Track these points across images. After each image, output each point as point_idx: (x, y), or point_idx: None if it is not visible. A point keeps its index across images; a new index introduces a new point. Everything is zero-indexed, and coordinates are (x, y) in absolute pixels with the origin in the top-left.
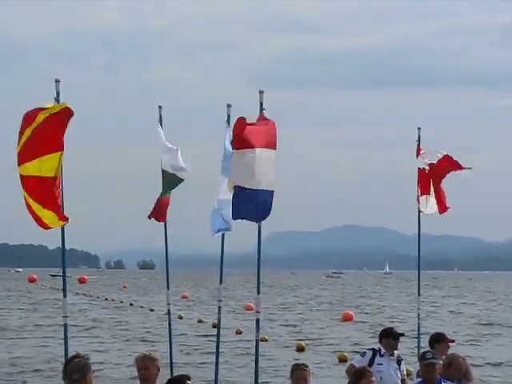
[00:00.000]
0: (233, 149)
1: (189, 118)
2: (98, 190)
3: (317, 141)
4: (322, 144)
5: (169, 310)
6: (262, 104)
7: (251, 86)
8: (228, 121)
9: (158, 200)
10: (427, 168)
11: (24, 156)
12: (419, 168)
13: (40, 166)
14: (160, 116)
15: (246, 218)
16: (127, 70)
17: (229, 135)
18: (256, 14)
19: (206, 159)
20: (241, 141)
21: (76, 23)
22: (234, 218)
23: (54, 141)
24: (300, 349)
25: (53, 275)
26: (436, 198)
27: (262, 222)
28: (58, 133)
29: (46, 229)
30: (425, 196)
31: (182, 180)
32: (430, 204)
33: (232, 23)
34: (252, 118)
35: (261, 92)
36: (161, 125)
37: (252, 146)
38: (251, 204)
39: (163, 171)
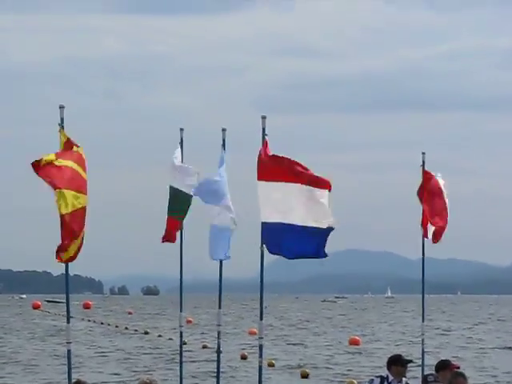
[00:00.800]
0: (259, 179)
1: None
2: (101, 216)
3: (318, 165)
4: (324, 169)
5: (181, 333)
6: (264, 130)
7: (252, 110)
8: (223, 145)
9: (167, 221)
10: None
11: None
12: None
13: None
14: (181, 138)
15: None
16: (129, 96)
17: (224, 159)
18: (257, 40)
19: None
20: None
21: (77, 50)
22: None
23: (82, 182)
24: (304, 376)
25: (48, 301)
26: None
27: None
28: (82, 176)
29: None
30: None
31: (191, 197)
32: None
33: (233, 48)
34: (253, 142)
35: (263, 117)
36: (182, 146)
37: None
38: (302, 239)
39: (176, 190)
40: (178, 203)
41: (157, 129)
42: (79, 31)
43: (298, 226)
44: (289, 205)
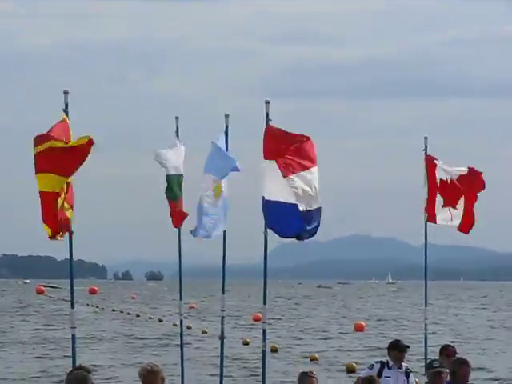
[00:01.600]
0: (265, 158)
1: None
2: (105, 200)
3: (325, 151)
4: (331, 154)
5: (181, 321)
6: (268, 114)
7: (260, 96)
8: (226, 131)
9: (172, 206)
10: (449, 179)
11: (39, 165)
12: (441, 179)
13: (46, 182)
14: (177, 127)
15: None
16: (134, 81)
17: (223, 140)
18: (262, 24)
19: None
20: (274, 152)
21: (86, 33)
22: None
23: (68, 167)
24: (312, 359)
25: (44, 286)
26: (464, 216)
27: (270, 233)
28: (75, 161)
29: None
30: (447, 208)
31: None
32: (449, 216)
33: (242, 34)
34: (256, 128)
35: (267, 102)
36: (177, 135)
37: (299, 169)
38: (292, 218)
39: (169, 176)
40: (174, 186)
41: (162, 114)
42: (87, 16)
43: (295, 206)
44: (288, 186)
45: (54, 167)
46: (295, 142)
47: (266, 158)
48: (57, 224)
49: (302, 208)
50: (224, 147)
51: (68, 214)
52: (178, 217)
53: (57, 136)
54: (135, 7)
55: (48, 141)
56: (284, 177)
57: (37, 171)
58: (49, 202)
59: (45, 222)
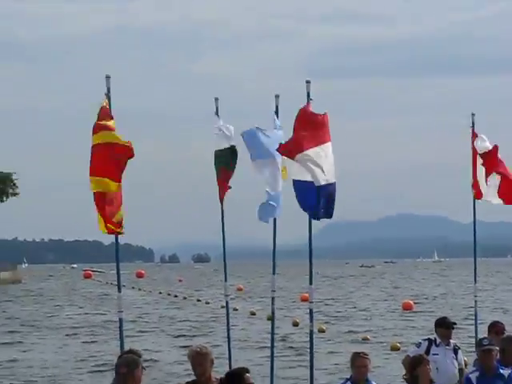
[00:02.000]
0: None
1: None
2: (151, 184)
3: (369, 130)
4: (374, 133)
5: (227, 303)
6: (309, 94)
7: (299, 77)
8: (276, 112)
9: (225, 174)
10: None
11: (94, 168)
12: (484, 152)
13: (97, 184)
14: (216, 108)
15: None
16: (178, 63)
17: (276, 124)
18: (302, 5)
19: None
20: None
21: (127, 19)
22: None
23: (115, 171)
24: (364, 339)
25: (92, 271)
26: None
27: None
28: (119, 165)
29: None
30: (489, 181)
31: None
32: (493, 192)
33: (283, 15)
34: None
35: (307, 82)
36: (218, 116)
37: (312, 146)
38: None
39: (218, 151)
40: (224, 156)
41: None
42: (125, 1)
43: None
44: (315, 164)
45: (107, 171)
46: (312, 119)
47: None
48: (112, 221)
49: (317, 183)
50: (276, 128)
51: (118, 214)
52: (224, 188)
53: (106, 124)
54: None
55: (101, 130)
56: (299, 152)
57: (90, 173)
58: (102, 200)
59: (104, 221)
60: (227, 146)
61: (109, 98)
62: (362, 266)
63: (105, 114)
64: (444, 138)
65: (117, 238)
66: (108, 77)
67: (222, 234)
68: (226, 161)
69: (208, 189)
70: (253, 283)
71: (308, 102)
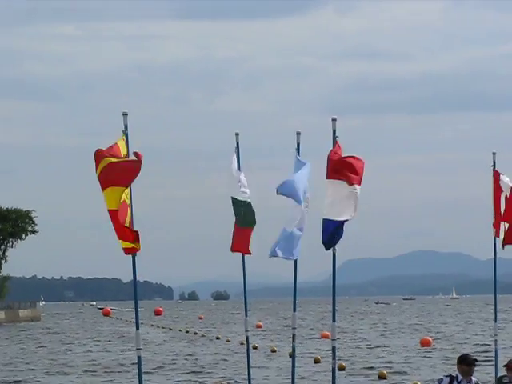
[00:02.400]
0: (328, 178)
1: (261, 147)
2: (170, 221)
3: (389, 166)
4: (395, 169)
5: (247, 338)
6: (334, 132)
7: (321, 114)
8: (298, 148)
9: (237, 232)
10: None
11: (102, 183)
12: (502, 191)
13: (110, 199)
14: (237, 143)
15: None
16: (196, 102)
17: (298, 163)
18: (323, 42)
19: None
20: (336, 172)
21: (146, 55)
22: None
23: (122, 177)
24: (381, 377)
25: (100, 308)
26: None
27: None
28: (128, 173)
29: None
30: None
31: (246, 203)
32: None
33: (301, 52)
34: (325, 145)
35: (333, 119)
36: (238, 151)
37: (351, 182)
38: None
39: (235, 199)
40: (244, 213)
41: (221, 134)
42: (147, 38)
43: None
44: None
45: (114, 179)
46: (348, 159)
47: (328, 178)
48: (131, 236)
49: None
50: (298, 166)
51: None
52: (247, 243)
53: (112, 153)
54: (194, 28)
55: (104, 158)
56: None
57: (102, 189)
58: (117, 218)
59: (120, 238)
60: (241, 197)
61: (126, 135)
62: (377, 303)
63: (116, 150)
64: (466, 175)
65: (135, 276)
66: (125, 114)
67: (242, 271)
68: (246, 220)
69: (228, 227)
70: (274, 320)
71: (335, 140)
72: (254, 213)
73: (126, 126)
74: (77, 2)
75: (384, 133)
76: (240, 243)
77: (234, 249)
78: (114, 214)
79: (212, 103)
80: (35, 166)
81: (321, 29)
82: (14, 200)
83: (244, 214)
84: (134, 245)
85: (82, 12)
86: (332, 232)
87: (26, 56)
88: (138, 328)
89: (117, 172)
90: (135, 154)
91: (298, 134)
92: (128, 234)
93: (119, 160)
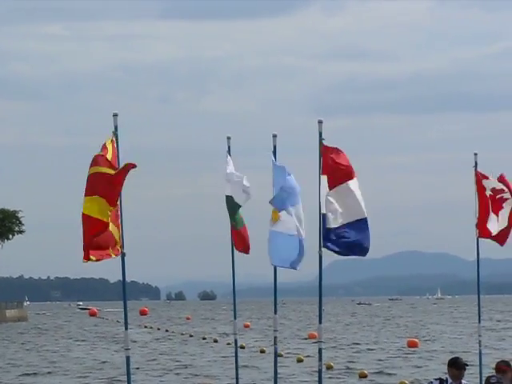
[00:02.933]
0: (323, 174)
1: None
2: (157, 221)
3: (372, 167)
4: (382, 170)
5: (236, 341)
6: (321, 134)
7: (309, 113)
8: (274, 151)
9: (236, 232)
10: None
11: (88, 188)
12: (490, 194)
13: (90, 206)
14: (229, 147)
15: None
16: (182, 102)
17: (278, 166)
18: (307, 42)
19: (259, 189)
20: (335, 178)
21: (132, 55)
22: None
23: (111, 194)
24: (362, 376)
25: (82, 308)
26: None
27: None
28: (118, 189)
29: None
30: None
31: (239, 206)
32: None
33: (289, 51)
34: (312, 146)
35: (320, 122)
36: (229, 155)
37: (344, 181)
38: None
39: (227, 197)
40: (235, 212)
41: (210, 134)
42: (133, 37)
43: (352, 222)
44: (342, 203)
45: (102, 192)
46: (338, 156)
47: (323, 174)
48: (92, 247)
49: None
50: (275, 168)
51: (116, 236)
52: (247, 243)
53: (105, 162)
54: (180, 28)
55: (97, 165)
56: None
57: (86, 194)
58: (89, 225)
59: (86, 245)
60: (237, 198)
61: (116, 135)
62: (359, 304)
63: (111, 153)
64: (454, 175)
65: (124, 277)
66: (115, 115)
67: (232, 271)
68: (235, 218)
69: (216, 227)
70: (260, 320)
71: (321, 143)
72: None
73: (116, 127)
74: (63, 1)
75: (371, 133)
76: (241, 242)
77: (239, 248)
78: (87, 220)
79: (198, 104)
80: (21, 165)
81: (308, 28)
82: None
83: (235, 212)
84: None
85: (68, 12)
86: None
87: (12, 56)
88: (126, 328)
89: (107, 187)
90: (129, 165)
91: (275, 136)
92: (90, 244)
93: (110, 173)
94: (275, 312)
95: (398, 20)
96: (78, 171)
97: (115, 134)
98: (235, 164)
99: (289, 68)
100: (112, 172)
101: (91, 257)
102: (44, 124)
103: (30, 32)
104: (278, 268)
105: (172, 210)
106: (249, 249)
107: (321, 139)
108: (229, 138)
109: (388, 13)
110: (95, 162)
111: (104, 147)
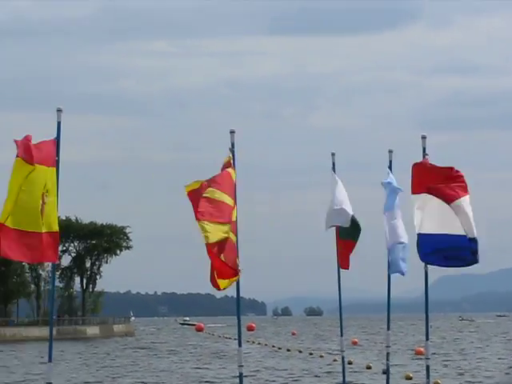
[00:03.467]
0: (412, 193)
1: (353, 164)
2: (263, 238)
3: (481, 182)
4: (487, 185)
5: (343, 358)
6: (424, 149)
7: (414, 130)
8: (390, 166)
9: (339, 244)
10: None
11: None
12: None
13: (209, 232)
14: (333, 163)
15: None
16: (292, 116)
17: (391, 181)
18: (414, 58)
19: (370, 205)
20: (423, 186)
21: (239, 72)
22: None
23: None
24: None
25: (182, 323)
26: None
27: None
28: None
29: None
30: None
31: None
32: None
33: (393, 67)
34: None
35: (423, 137)
36: (334, 171)
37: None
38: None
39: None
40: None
41: (318, 150)
42: (240, 54)
43: (453, 236)
44: (441, 215)
45: (216, 216)
46: (443, 173)
47: (413, 193)
48: (227, 272)
49: (468, 236)
50: (393, 183)
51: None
52: (348, 258)
53: (218, 186)
54: (287, 43)
55: (210, 187)
56: (449, 203)
57: (199, 218)
58: (215, 253)
59: (219, 276)
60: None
61: (232, 152)
62: (461, 320)
63: (225, 177)
64: None
65: (238, 292)
66: (232, 132)
67: (338, 288)
68: (352, 233)
69: (322, 244)
70: (367, 336)
71: (424, 158)
72: (358, 227)
73: (232, 144)
74: (169, 18)
75: (479, 149)
76: (341, 256)
77: (343, 266)
78: (211, 248)
79: (305, 119)
80: (129, 181)
81: (414, 43)
82: (108, 216)
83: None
84: (229, 280)
85: (174, 28)
86: (436, 247)
87: (120, 73)
88: (240, 345)
89: (218, 210)
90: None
91: (391, 151)
92: (227, 271)
93: (221, 199)
94: (388, 328)
95: (506, 34)
96: (183, 187)
97: (231, 150)
98: (343, 178)
99: (394, 83)
100: (230, 202)
101: (222, 281)
102: (151, 140)
103: (137, 49)
104: (390, 282)
105: (279, 227)
106: (346, 263)
107: (424, 154)
108: (333, 155)
109: (496, 27)
110: (207, 184)
111: (219, 175)
